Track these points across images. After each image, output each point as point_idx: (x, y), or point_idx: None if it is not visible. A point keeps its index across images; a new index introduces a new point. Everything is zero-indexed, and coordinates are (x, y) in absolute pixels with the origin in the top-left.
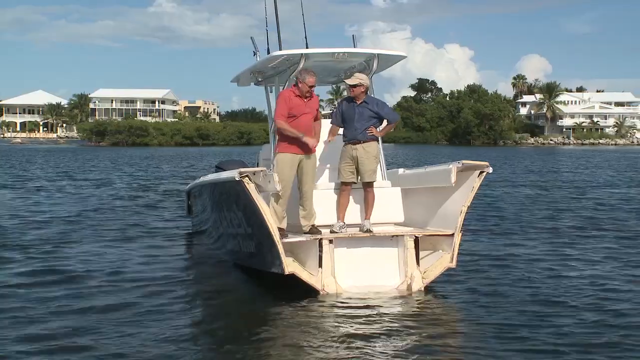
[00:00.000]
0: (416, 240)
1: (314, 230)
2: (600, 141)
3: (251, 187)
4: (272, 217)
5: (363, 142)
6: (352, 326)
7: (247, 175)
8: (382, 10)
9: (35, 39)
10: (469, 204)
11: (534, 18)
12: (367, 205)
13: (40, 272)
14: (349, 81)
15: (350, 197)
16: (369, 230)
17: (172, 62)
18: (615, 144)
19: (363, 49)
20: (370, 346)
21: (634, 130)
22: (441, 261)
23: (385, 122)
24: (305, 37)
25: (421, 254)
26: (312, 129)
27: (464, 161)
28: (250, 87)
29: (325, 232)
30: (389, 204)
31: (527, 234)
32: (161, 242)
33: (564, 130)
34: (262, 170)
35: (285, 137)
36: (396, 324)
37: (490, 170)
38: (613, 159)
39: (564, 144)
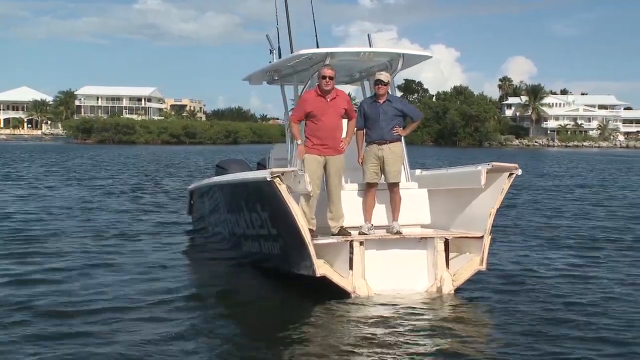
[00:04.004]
0: (446, 243)
1: (343, 231)
2: (584, 144)
3: (282, 188)
4: (303, 219)
5: (389, 142)
6: (384, 329)
7: (278, 176)
8: (369, 10)
9: (20, 34)
10: (498, 206)
11: (519, 20)
12: (394, 206)
13: (39, 273)
14: (384, 77)
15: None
16: (398, 232)
17: (158, 60)
18: (599, 147)
19: (388, 48)
20: (402, 349)
21: (617, 133)
22: (471, 264)
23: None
24: (316, 36)
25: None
26: (339, 128)
27: (493, 163)
28: (237, 87)
29: (353, 233)
30: (415, 205)
31: (554, 239)
32: (163, 242)
33: (549, 132)
34: (292, 171)
35: (309, 138)
36: (428, 327)
37: (520, 172)
38: (605, 161)
39: (548, 145)
